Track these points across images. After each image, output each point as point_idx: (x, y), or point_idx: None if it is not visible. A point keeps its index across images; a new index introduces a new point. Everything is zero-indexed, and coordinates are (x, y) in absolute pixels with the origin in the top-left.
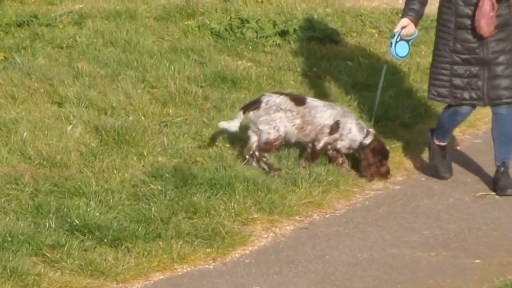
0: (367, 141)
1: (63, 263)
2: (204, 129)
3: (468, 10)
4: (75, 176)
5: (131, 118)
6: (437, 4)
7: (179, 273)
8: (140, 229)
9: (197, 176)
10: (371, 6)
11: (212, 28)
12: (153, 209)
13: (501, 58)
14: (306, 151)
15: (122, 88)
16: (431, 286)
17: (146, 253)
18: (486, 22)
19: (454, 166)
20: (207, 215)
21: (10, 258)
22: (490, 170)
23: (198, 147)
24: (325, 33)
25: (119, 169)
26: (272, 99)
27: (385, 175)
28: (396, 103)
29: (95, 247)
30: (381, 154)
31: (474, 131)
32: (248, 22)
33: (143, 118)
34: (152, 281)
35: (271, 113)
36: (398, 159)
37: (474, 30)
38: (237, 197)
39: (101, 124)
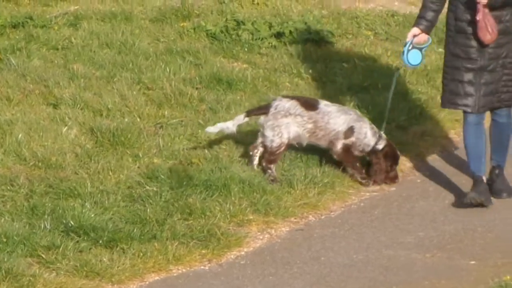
0: (380, 146)
1: (58, 264)
2: (199, 131)
3: (468, 15)
4: (70, 177)
5: (126, 119)
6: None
7: (174, 274)
8: (135, 230)
9: (193, 177)
10: (367, 8)
11: (207, 30)
12: (148, 210)
13: (494, 65)
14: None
15: (117, 90)
16: (426, 287)
17: (141, 254)
18: (487, 30)
19: (450, 168)
20: (203, 216)
21: (5, 259)
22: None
23: (194, 148)
24: (320, 35)
25: (114, 171)
26: (282, 104)
27: (394, 179)
28: (392, 105)
29: (90, 248)
30: (392, 159)
31: None
32: (243, 24)
33: (138, 119)
34: (147, 282)
35: (278, 118)
36: None
37: (474, 35)
38: (233, 198)
39: (96, 126)
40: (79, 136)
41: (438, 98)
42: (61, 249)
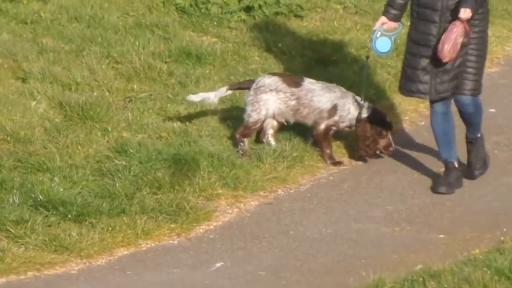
0: (364, 115)
1: (27, 238)
2: (168, 105)
3: (429, 1)
4: (39, 151)
5: (95, 93)
6: None
7: (143, 249)
8: (104, 204)
9: (162, 151)
10: None
11: (177, 4)
12: (117, 184)
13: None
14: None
15: (86, 64)
16: (395, 260)
17: (110, 228)
18: (451, 47)
19: (419, 141)
20: (172, 190)
21: None
22: None
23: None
24: (290, 9)
25: (83, 145)
26: (263, 80)
27: (387, 148)
28: (361, 78)
29: (59, 223)
30: (379, 125)
31: None
32: None
33: (107, 93)
34: (116, 257)
35: (258, 94)
36: None
37: (434, 22)
38: (202, 172)
39: (65, 100)
40: (48, 110)
41: None
42: (29, 223)
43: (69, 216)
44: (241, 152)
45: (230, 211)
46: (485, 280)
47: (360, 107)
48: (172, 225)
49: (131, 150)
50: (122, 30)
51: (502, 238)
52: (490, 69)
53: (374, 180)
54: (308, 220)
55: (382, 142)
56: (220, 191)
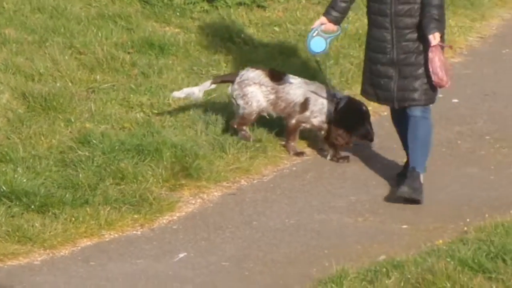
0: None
1: None
2: (131, 95)
3: (379, 8)
4: (2, 142)
5: (58, 84)
6: None
7: (107, 239)
8: (67, 195)
9: (125, 142)
10: None
11: None
12: (80, 175)
13: (412, 59)
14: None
15: (49, 55)
16: (358, 251)
17: (73, 219)
18: (443, 72)
19: (382, 132)
20: (135, 181)
21: None
22: None
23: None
24: None
25: (46, 135)
26: (247, 73)
27: (366, 137)
28: (324, 68)
29: (22, 213)
30: (354, 114)
31: None
32: None
33: (70, 84)
34: (79, 247)
35: (243, 87)
36: None
37: (387, 29)
38: (165, 163)
39: (28, 91)
40: (11, 101)
41: None
42: None
43: (32, 206)
44: (244, 138)
45: (193, 202)
46: (449, 271)
47: (337, 102)
48: (136, 216)
49: (94, 141)
50: (85, 21)
51: (465, 228)
52: (453, 59)
53: (337, 170)
54: (271, 210)
55: (360, 131)
56: (183, 182)
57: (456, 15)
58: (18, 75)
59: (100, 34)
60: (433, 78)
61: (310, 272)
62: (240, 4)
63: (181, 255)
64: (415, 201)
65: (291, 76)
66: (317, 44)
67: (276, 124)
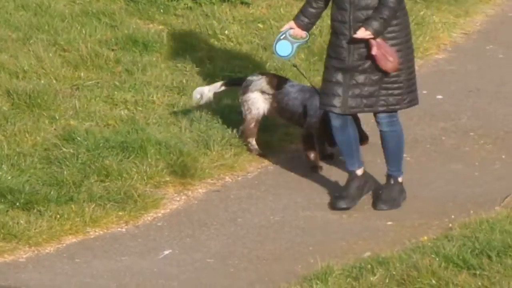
0: None
1: None
2: (115, 92)
3: (339, 15)
4: None
5: (42, 81)
6: None
7: (92, 236)
8: (52, 192)
9: (109, 139)
10: None
11: None
12: (65, 172)
13: (366, 65)
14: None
15: (33, 52)
16: (343, 248)
17: (58, 216)
18: (381, 63)
19: (367, 128)
20: (119, 178)
21: None
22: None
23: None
24: None
25: (31, 133)
26: (251, 79)
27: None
28: (307, 65)
29: (7, 211)
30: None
31: None
32: None
33: (54, 81)
34: (64, 244)
35: (245, 93)
36: None
37: (344, 35)
38: (149, 160)
39: (12, 88)
40: None
41: None
42: None
43: (17, 204)
44: (250, 151)
45: (178, 199)
46: (433, 267)
47: None
48: (120, 213)
49: (79, 138)
50: (69, 18)
51: (450, 225)
52: (437, 55)
53: (322, 167)
54: (256, 207)
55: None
56: (168, 179)
57: (440, 11)
58: (2, 73)
59: (84, 31)
60: (385, 68)
61: (295, 269)
62: (223, 0)
63: (166, 252)
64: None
65: (290, 82)
66: (284, 48)
67: (263, 122)
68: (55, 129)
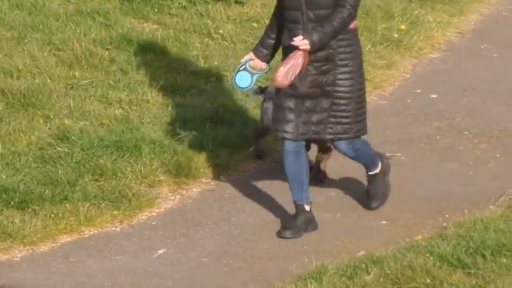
0: None
1: None
2: (110, 92)
3: (290, 41)
4: None
5: (37, 80)
6: None
7: (86, 236)
8: (47, 191)
9: (104, 138)
10: None
11: None
12: (59, 171)
13: (317, 93)
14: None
15: (28, 51)
16: (337, 247)
17: (53, 215)
18: (285, 71)
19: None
20: (114, 177)
21: None
22: (396, 131)
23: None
24: None
25: (25, 132)
26: (269, 87)
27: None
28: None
29: (1, 210)
30: None
31: (380, 92)
32: None
33: (49, 80)
34: (59, 244)
35: (263, 102)
36: None
37: None
38: (144, 159)
39: (7, 87)
40: None
41: None
42: None
43: (12, 203)
44: (256, 152)
45: (172, 198)
46: (428, 266)
47: None
48: (115, 212)
49: (73, 137)
50: (63, 17)
51: (444, 224)
52: (431, 54)
53: (317, 166)
54: (250, 206)
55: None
56: (162, 178)
57: (434, 10)
58: None
59: (78, 31)
60: (279, 78)
61: (290, 268)
62: (218, 0)
63: (160, 251)
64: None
65: None
66: (243, 79)
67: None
68: (49, 128)
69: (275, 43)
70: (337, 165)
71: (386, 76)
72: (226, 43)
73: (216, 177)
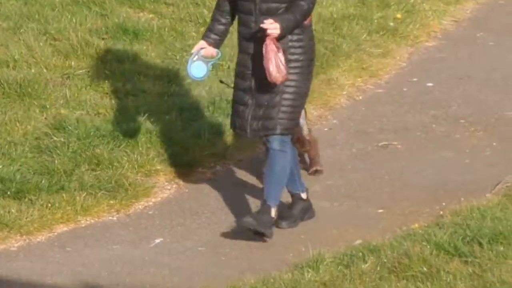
0: None
1: None
2: (106, 81)
3: (245, 32)
4: None
5: (33, 70)
6: None
7: (83, 225)
8: (43, 181)
9: (100, 128)
10: None
11: None
12: (56, 161)
13: (269, 87)
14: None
15: (24, 41)
16: (334, 235)
17: (49, 205)
18: (274, 67)
19: (357, 116)
20: (110, 167)
21: None
22: (392, 120)
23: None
24: None
25: (21, 122)
26: None
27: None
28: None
29: None
30: None
31: (376, 81)
32: None
33: (45, 70)
34: (55, 233)
35: None
36: None
37: (249, 54)
38: (140, 148)
39: (3, 77)
40: None
41: (344, 46)
42: None
43: (8, 193)
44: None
45: (169, 187)
46: (425, 255)
47: None
48: (111, 202)
49: (69, 127)
50: (59, 7)
51: (441, 212)
52: (427, 43)
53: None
54: (247, 195)
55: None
56: (159, 167)
57: None
58: None
59: (74, 20)
60: (266, 74)
61: (286, 257)
62: None
63: (157, 241)
64: (259, 233)
65: None
66: (198, 69)
67: None
68: (45, 118)
69: (225, 29)
70: (333, 153)
71: (382, 64)
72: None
73: (213, 166)
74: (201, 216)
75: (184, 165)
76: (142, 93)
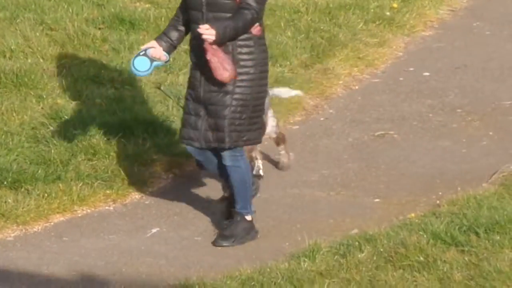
0: None
1: None
2: (102, 71)
3: (194, 41)
4: None
5: (29, 60)
6: None
7: (79, 215)
8: (40, 171)
9: (96, 117)
10: None
11: None
12: (52, 151)
13: (218, 98)
14: None
15: (20, 31)
16: (331, 225)
17: (46, 195)
18: (217, 72)
19: (354, 106)
20: (107, 156)
21: None
22: (389, 109)
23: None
24: None
25: (18, 112)
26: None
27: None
28: (294, 43)
29: None
30: None
31: (373, 70)
32: None
33: (41, 60)
34: (52, 223)
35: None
36: (296, 99)
37: (197, 64)
38: (137, 138)
39: None
40: None
41: (341, 35)
42: None
43: (5, 183)
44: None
45: (165, 177)
46: (421, 244)
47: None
48: (108, 191)
49: (66, 117)
50: None
51: (437, 201)
52: (424, 32)
53: (309, 144)
54: None
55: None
56: (155, 157)
57: None
58: None
59: (70, 10)
60: (221, 78)
61: (283, 246)
62: None
63: (154, 230)
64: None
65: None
66: (141, 63)
67: None
68: (42, 108)
69: (179, 36)
70: (329, 143)
71: (378, 54)
72: None
73: None
74: (198, 206)
75: (181, 155)
76: (138, 83)
